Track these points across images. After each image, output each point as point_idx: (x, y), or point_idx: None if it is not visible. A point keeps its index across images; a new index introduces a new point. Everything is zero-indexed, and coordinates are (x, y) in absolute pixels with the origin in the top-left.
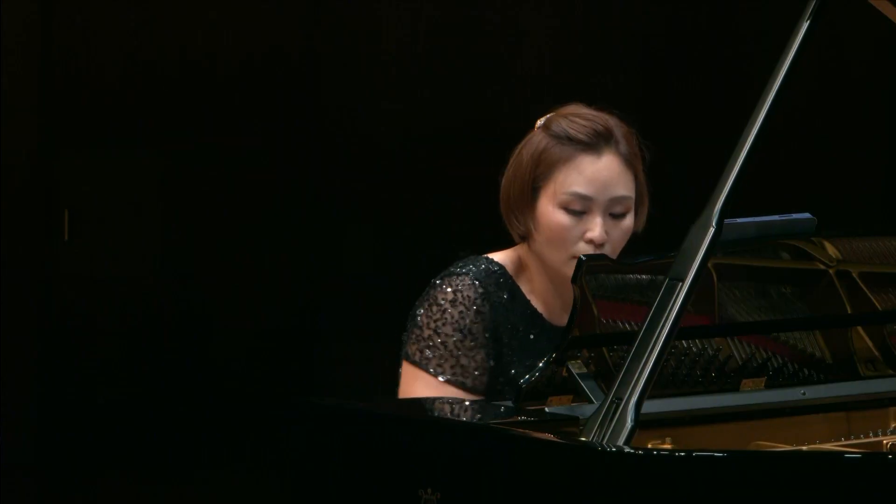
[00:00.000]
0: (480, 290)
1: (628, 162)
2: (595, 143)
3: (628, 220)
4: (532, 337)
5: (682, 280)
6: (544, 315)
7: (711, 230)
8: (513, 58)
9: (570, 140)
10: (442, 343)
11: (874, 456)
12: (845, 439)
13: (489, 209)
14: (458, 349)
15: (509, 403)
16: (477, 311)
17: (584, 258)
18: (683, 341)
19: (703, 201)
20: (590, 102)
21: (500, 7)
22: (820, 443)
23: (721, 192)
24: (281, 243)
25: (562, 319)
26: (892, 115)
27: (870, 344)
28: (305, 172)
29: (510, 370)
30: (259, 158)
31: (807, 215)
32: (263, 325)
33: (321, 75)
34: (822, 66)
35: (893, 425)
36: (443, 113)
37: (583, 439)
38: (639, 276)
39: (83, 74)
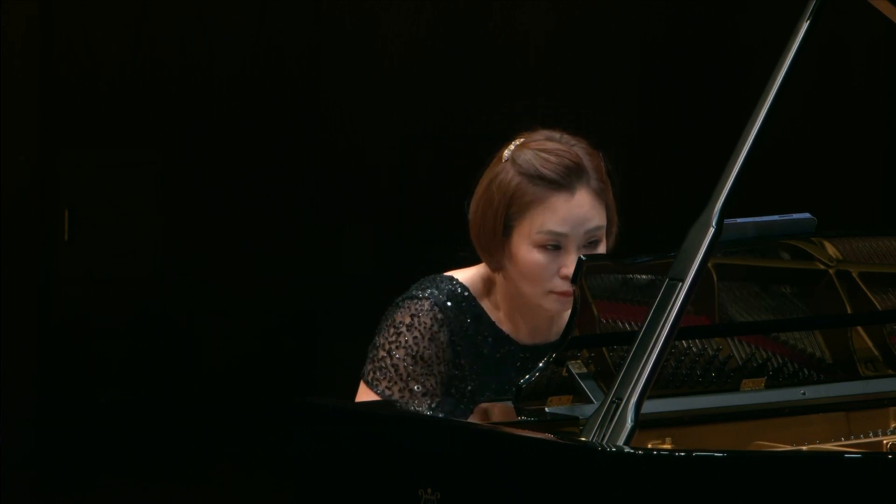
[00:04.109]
0: (440, 317)
1: (600, 193)
2: (567, 181)
3: (601, 247)
4: (498, 357)
5: (682, 280)
6: (511, 335)
7: (711, 230)
8: (513, 59)
9: (541, 179)
10: (393, 366)
11: (874, 456)
12: (845, 439)
13: None
14: (408, 374)
15: (509, 403)
16: (432, 339)
17: (584, 258)
18: (683, 341)
19: (703, 201)
20: (590, 103)
21: (500, 8)
22: (820, 443)
23: (721, 192)
24: (281, 243)
25: (530, 339)
26: (891, 115)
27: (870, 344)
28: (305, 173)
29: (476, 394)
30: (259, 158)
31: (807, 215)
32: (263, 325)
33: (321, 75)
34: (821, 66)
35: (893, 425)
36: (443, 113)
37: (583, 439)
38: (639, 276)
39: (83, 74)
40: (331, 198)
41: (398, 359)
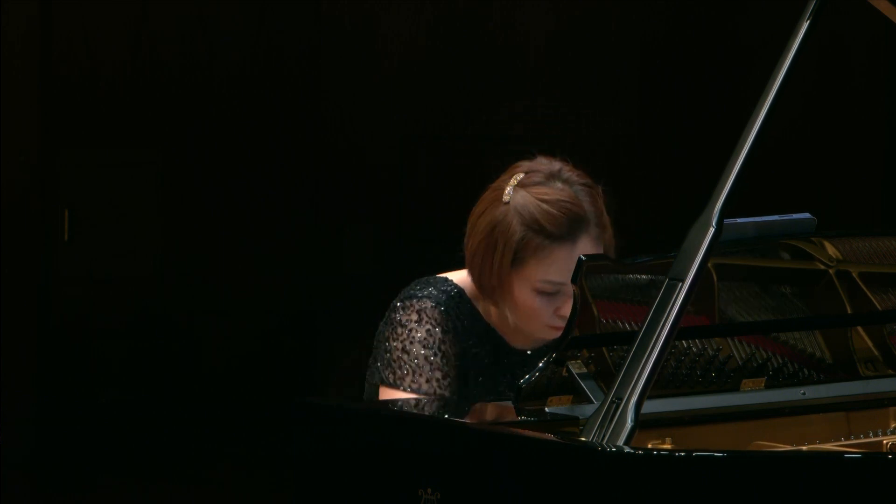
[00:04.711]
0: (444, 314)
1: (599, 238)
2: (569, 233)
3: None
4: (494, 361)
5: (682, 280)
6: (504, 337)
7: (711, 230)
8: (513, 59)
9: (543, 233)
10: (413, 359)
11: (874, 456)
12: (845, 439)
13: None
14: (430, 365)
15: (509, 403)
16: (444, 331)
17: (583, 258)
18: (683, 341)
19: (703, 201)
20: (590, 103)
21: (500, 8)
22: (820, 443)
23: (721, 192)
24: (281, 243)
25: (523, 343)
26: (891, 115)
27: (870, 344)
28: (305, 173)
29: (474, 393)
30: (259, 158)
31: (807, 215)
32: (264, 326)
33: (321, 76)
34: (821, 66)
35: (893, 425)
36: (443, 113)
37: (583, 439)
38: (639, 276)
39: (83, 74)
40: (331, 198)
41: (416, 353)
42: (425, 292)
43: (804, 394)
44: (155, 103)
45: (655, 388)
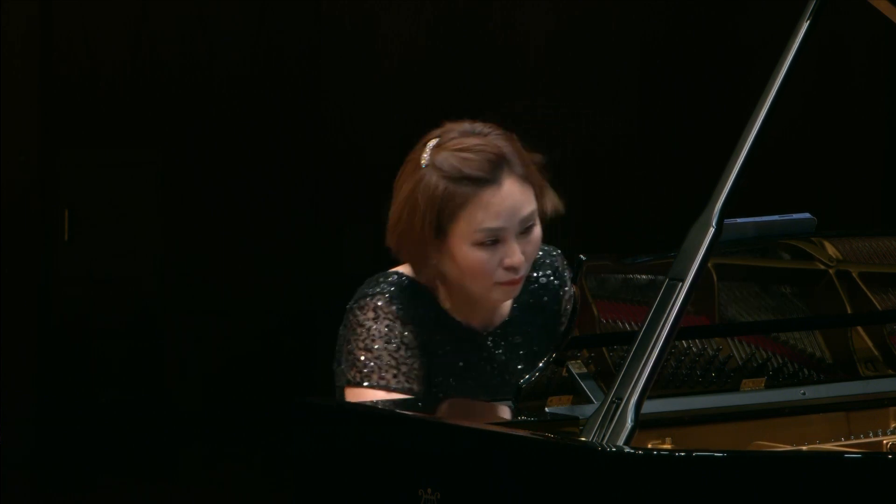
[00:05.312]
0: (399, 305)
1: (525, 177)
2: (492, 174)
3: (537, 230)
4: (452, 346)
5: (682, 280)
6: (462, 323)
7: (711, 230)
8: (513, 59)
9: (466, 179)
10: (377, 357)
11: (874, 456)
12: (845, 439)
13: None
14: (395, 358)
15: (509, 403)
16: (403, 323)
17: (583, 258)
18: (683, 341)
19: (703, 201)
20: (590, 103)
21: (500, 8)
22: (820, 443)
23: (721, 192)
24: (281, 243)
25: (478, 324)
26: (891, 115)
27: (870, 344)
28: (305, 172)
29: (438, 380)
30: (259, 158)
31: (807, 215)
32: (263, 325)
33: (321, 76)
34: (821, 66)
35: (893, 425)
36: (443, 113)
37: (583, 439)
38: (639, 276)
39: (83, 74)
40: (331, 198)
41: (379, 349)
42: (377, 289)
43: (804, 394)
44: (155, 103)
45: (655, 388)
